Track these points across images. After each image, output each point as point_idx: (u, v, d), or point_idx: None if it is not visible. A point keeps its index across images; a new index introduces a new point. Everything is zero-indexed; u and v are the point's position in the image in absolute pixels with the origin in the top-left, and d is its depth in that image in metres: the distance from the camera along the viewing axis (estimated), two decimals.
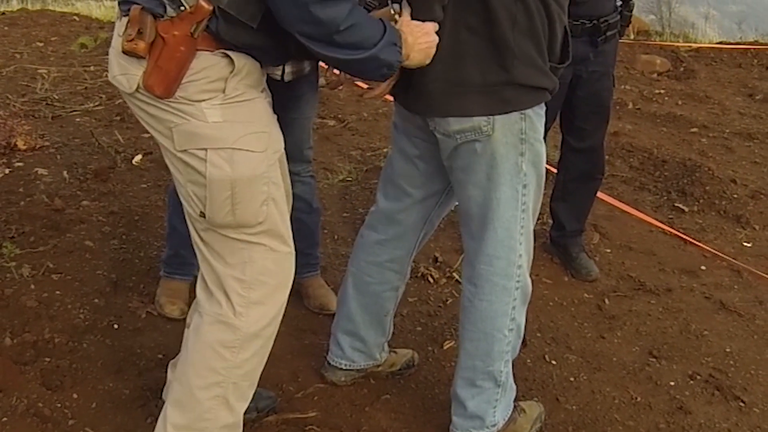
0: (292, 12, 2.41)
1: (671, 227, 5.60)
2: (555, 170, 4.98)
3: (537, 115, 2.96)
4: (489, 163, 2.93)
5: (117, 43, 2.58)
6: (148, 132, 2.75)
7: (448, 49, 2.79)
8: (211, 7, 2.43)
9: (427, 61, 2.77)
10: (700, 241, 5.42)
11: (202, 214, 2.66)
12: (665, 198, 6.17)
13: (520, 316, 3.18)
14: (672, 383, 3.88)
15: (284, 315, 2.88)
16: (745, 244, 5.59)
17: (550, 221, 5.09)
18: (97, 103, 6.89)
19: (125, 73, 2.58)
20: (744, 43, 11.36)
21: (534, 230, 3.15)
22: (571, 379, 3.87)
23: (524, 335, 3.34)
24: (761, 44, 11.20)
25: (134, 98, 2.61)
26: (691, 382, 3.91)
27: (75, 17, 10.65)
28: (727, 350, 4.20)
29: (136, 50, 2.47)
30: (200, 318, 2.80)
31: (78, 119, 6.48)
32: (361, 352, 3.54)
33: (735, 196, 6.21)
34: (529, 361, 3.93)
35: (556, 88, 2.98)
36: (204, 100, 2.55)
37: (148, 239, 4.66)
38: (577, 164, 4.81)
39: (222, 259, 2.73)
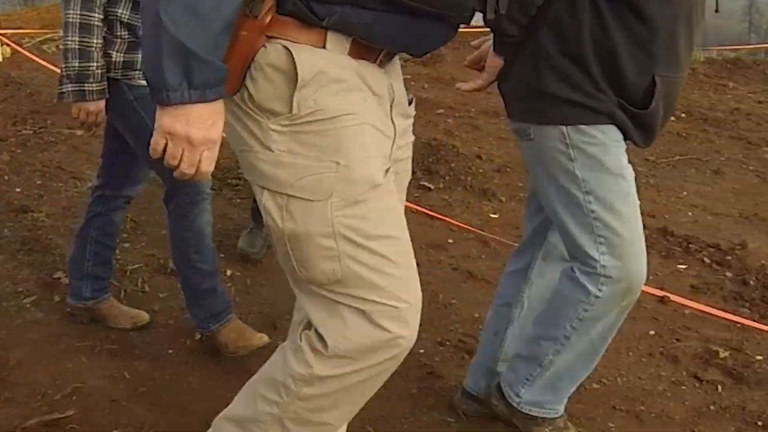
0: None
1: (418, 205, 5.76)
2: None
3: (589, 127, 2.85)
4: (539, 164, 2.94)
5: None
6: None
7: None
8: None
9: None
10: (447, 216, 5.59)
11: None
12: (411, 177, 6.30)
13: None
14: (422, 351, 4.00)
15: None
16: (491, 215, 5.82)
17: None
18: None
19: None
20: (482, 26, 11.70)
21: None
22: None
23: None
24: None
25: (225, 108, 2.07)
26: (441, 348, 4.06)
27: None
28: (476, 316, 4.36)
29: None
30: (290, 337, 2.40)
31: None
32: None
33: (481, 171, 6.43)
34: None
35: (615, 114, 2.80)
36: (271, 114, 2.05)
37: None
38: None
39: (312, 308, 2.23)
